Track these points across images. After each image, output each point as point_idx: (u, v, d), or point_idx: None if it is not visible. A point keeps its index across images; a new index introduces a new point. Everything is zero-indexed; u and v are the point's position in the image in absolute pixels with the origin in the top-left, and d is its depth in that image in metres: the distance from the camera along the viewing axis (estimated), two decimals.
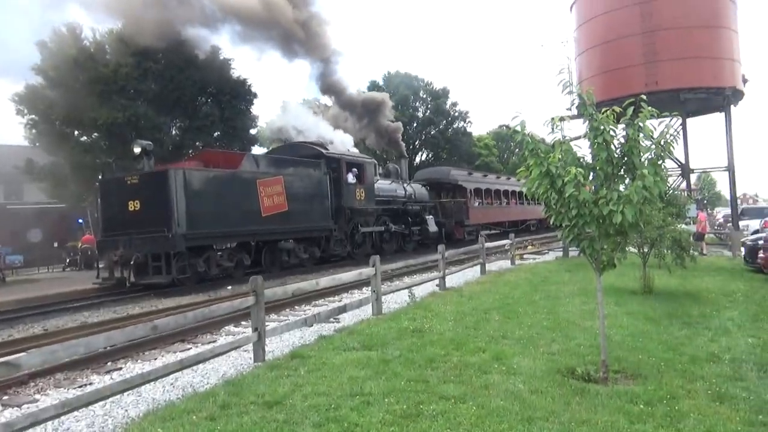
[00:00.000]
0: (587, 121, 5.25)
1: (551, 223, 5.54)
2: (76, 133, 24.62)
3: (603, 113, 5.17)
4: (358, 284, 11.81)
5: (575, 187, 4.95)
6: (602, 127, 5.08)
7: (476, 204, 29.09)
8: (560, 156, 5.17)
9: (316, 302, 10.88)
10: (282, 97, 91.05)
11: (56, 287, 16.24)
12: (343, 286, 11.26)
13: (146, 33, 22.14)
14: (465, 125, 52.57)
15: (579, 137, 5.60)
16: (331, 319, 8.52)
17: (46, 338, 8.35)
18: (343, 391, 4.90)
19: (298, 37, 26.25)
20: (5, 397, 5.60)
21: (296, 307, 10.36)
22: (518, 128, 5.37)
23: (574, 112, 5.56)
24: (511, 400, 4.58)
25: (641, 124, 5.05)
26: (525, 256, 18.77)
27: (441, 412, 4.34)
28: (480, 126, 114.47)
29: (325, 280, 8.43)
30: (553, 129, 5.39)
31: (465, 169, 34.47)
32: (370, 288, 9.33)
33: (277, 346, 7.05)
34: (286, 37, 26.08)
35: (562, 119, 5.41)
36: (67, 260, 26.99)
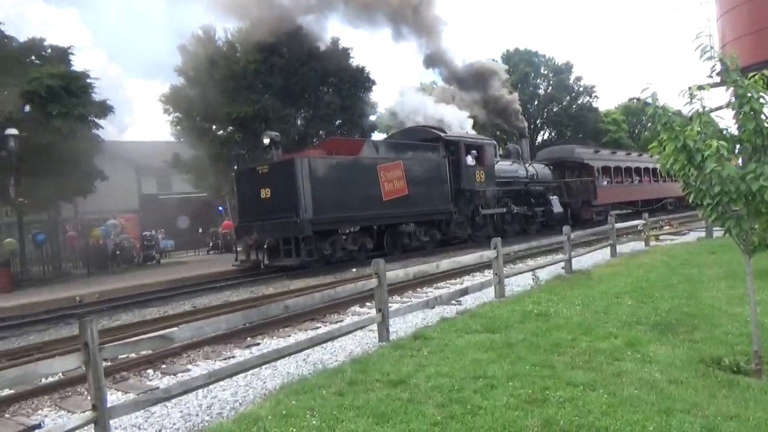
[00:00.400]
0: (731, 89, 4.72)
1: (690, 201, 5.09)
2: (213, 127, 26.76)
3: (750, 78, 4.62)
4: (480, 267, 11.69)
5: (717, 162, 4.50)
6: (749, 94, 4.54)
7: (604, 183, 27.47)
8: (699, 128, 4.71)
9: (438, 284, 10.95)
10: (400, 83, 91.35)
11: (202, 269, 17.92)
12: (464, 268, 11.22)
13: (263, 29, 23.41)
14: (590, 100, 49.73)
15: (721, 107, 5.05)
16: (453, 302, 8.54)
17: (195, 314, 9.26)
18: (466, 373, 4.90)
19: (406, 19, 26.04)
20: (163, 366, 6.32)
21: (418, 289, 10.51)
22: (649, 100, 4.97)
23: (716, 79, 5.01)
24: (646, 389, 4.30)
25: None
26: (661, 237, 17.41)
27: (568, 399, 4.19)
28: (607, 100, 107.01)
29: (446, 263, 8.45)
30: (691, 99, 4.91)
31: (591, 146, 32.63)
32: (491, 270, 9.20)
33: (400, 327, 7.21)
34: (393, 17, 26.01)
35: (700, 88, 4.91)
36: (210, 244, 29.65)
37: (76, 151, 19.02)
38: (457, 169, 19.17)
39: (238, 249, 16.61)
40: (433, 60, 28.29)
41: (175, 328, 4.90)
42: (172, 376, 5.93)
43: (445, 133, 20.14)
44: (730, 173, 4.53)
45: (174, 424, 4.55)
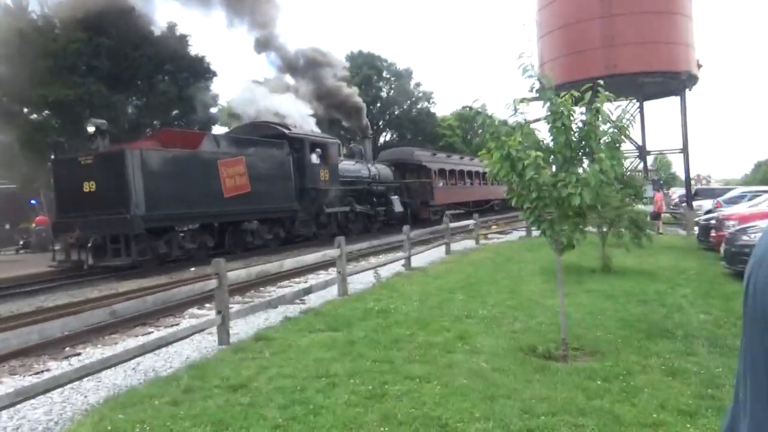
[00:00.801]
0: (547, 105, 5.31)
1: (512, 204, 5.63)
2: (25, 110, 23.65)
3: (562, 97, 5.22)
4: (324, 265, 11.77)
5: (535, 171, 5.02)
6: (561, 111, 5.14)
7: (441, 184, 29.26)
8: (520, 139, 5.22)
9: (281, 284, 10.80)
10: (244, 77, 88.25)
11: (9, 270, 15.66)
12: (308, 267, 11.21)
13: (86, 4, 21.24)
14: (429, 106, 52.73)
15: (540, 119, 5.67)
16: (297, 301, 8.48)
17: None
18: (308, 373, 4.90)
19: (242, 3, 24.96)
20: None
21: (261, 288, 10.27)
22: (480, 110, 5.39)
23: (536, 95, 5.62)
24: (474, 378, 4.65)
25: (598, 108, 5.13)
26: (489, 236, 19.03)
27: (406, 392, 4.38)
28: (444, 107, 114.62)
29: (290, 262, 8.38)
30: (515, 111, 5.43)
31: (429, 149, 34.56)
32: (335, 269, 9.31)
33: (242, 329, 6.99)
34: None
35: (522, 101, 5.45)
36: (21, 242, 26.02)
37: None
38: (302, 167, 19.11)
39: (56, 248, 14.82)
40: (264, 44, 26.81)
41: None
42: None
43: (290, 130, 19.95)
44: (545, 181, 5.08)
45: None
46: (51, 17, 23.38)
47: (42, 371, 5.75)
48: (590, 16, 24.99)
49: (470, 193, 33.43)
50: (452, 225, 15.35)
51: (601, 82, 5.26)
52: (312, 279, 11.13)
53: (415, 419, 3.90)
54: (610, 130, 5.23)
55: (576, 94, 5.24)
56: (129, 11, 23.09)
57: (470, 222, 17.23)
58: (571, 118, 5.15)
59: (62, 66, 22.08)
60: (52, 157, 19.25)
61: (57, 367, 5.85)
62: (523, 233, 18.70)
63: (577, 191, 4.92)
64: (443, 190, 29.24)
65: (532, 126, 5.43)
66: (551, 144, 5.37)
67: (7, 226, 28.10)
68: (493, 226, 22.47)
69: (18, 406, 4.43)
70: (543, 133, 5.47)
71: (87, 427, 3.97)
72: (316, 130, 24.44)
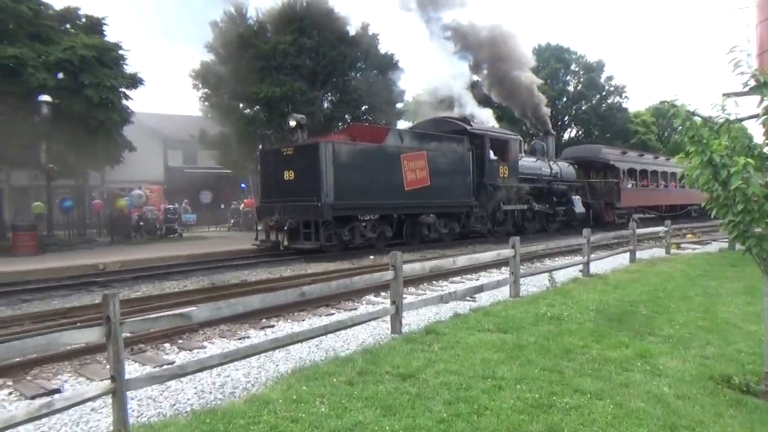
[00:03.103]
0: (764, 103, 4.65)
1: (712, 216, 5.06)
2: (240, 105, 26.97)
3: None
4: (497, 264, 11.69)
5: (743, 180, 4.44)
6: None
7: (629, 185, 27.13)
8: (727, 143, 4.65)
9: (453, 279, 10.97)
10: (430, 74, 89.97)
11: (223, 245, 18.19)
12: (481, 264, 11.23)
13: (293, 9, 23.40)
14: (621, 100, 48.79)
15: (752, 117, 4.96)
16: (467, 298, 8.57)
17: (213, 292, 9.45)
18: (475, 372, 4.96)
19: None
20: (180, 341, 6.50)
21: (434, 282, 10.55)
22: (679, 109, 4.90)
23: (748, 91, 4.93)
24: (653, 402, 4.33)
25: None
26: (683, 245, 17.19)
27: (575, 407, 4.23)
28: (638, 101, 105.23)
29: (463, 260, 8.48)
30: (723, 109, 4.84)
31: (618, 147, 32.14)
32: (508, 269, 9.22)
33: (413, 320, 7.29)
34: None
35: (735, 95, 4.83)
36: (231, 221, 30.05)
37: (106, 121, 19.34)
38: (481, 162, 19.10)
39: (259, 228, 16.82)
40: (451, 28, 27.16)
41: (194, 308, 5.05)
42: (188, 351, 6.09)
43: (471, 125, 20.03)
44: (755, 192, 4.47)
45: (188, 399, 4.70)
46: (264, 22, 26.27)
47: (244, 337, 6.64)
48: None
49: (663, 196, 30.42)
50: (639, 231, 14.18)
51: None
52: (484, 277, 11.14)
53: None
54: None
55: None
56: (329, 13, 25.03)
57: (661, 228, 15.73)
58: None
59: (271, 66, 24.74)
60: (260, 147, 21.77)
61: (255, 336, 6.72)
62: (724, 245, 16.53)
63: None
64: (632, 192, 27.05)
65: (744, 124, 4.81)
66: (766, 149, 4.72)
67: (222, 206, 32.54)
68: (689, 235, 20.20)
69: (224, 366, 5.19)
70: (756, 135, 4.82)
71: (277, 392, 4.50)
72: (495, 124, 24.20)
